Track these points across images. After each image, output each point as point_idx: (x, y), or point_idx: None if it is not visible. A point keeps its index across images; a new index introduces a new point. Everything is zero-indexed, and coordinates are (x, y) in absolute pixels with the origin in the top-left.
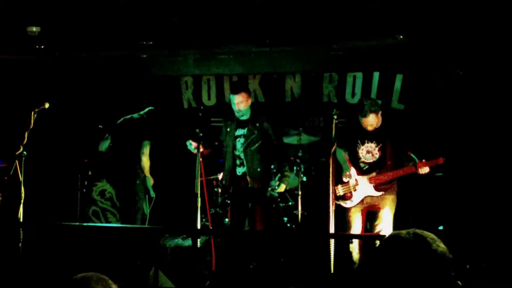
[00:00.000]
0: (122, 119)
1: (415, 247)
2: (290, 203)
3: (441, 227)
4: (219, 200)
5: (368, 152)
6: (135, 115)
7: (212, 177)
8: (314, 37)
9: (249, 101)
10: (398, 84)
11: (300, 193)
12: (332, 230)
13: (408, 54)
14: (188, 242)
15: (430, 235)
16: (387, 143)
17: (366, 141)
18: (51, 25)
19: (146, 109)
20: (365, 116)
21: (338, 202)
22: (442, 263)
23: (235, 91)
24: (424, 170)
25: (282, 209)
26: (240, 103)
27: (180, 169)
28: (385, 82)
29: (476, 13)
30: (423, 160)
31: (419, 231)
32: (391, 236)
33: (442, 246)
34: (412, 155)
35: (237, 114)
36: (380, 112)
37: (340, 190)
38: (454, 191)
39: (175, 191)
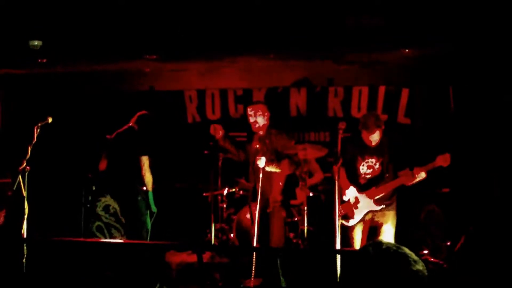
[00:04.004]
0: (115, 133)
1: (394, 263)
2: (296, 219)
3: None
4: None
5: (369, 167)
6: (126, 128)
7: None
8: (320, 51)
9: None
10: (404, 98)
11: (306, 208)
12: (338, 246)
13: (413, 69)
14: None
15: (407, 252)
16: (386, 157)
17: (366, 156)
18: (53, 38)
19: (136, 115)
20: (370, 132)
21: (340, 221)
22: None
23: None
24: (421, 175)
25: (289, 225)
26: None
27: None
28: (391, 96)
29: (480, 26)
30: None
31: (394, 246)
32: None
33: (420, 265)
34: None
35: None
36: (383, 128)
37: (341, 209)
38: (461, 206)
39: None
